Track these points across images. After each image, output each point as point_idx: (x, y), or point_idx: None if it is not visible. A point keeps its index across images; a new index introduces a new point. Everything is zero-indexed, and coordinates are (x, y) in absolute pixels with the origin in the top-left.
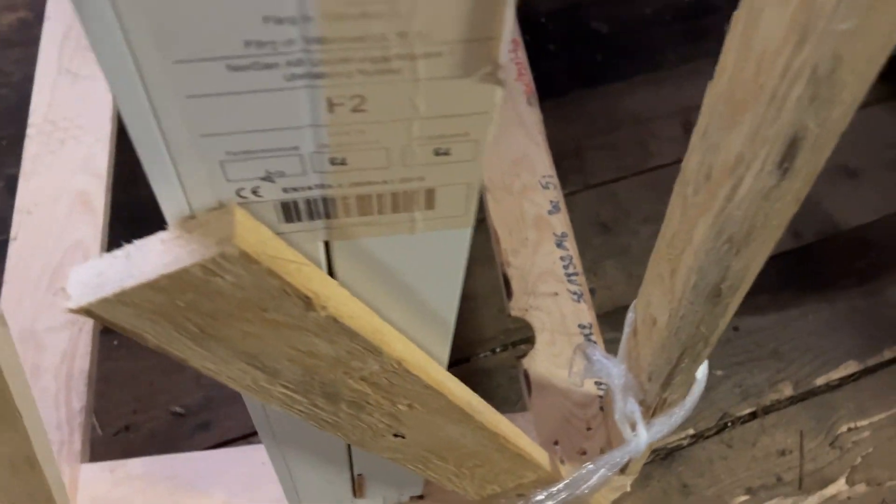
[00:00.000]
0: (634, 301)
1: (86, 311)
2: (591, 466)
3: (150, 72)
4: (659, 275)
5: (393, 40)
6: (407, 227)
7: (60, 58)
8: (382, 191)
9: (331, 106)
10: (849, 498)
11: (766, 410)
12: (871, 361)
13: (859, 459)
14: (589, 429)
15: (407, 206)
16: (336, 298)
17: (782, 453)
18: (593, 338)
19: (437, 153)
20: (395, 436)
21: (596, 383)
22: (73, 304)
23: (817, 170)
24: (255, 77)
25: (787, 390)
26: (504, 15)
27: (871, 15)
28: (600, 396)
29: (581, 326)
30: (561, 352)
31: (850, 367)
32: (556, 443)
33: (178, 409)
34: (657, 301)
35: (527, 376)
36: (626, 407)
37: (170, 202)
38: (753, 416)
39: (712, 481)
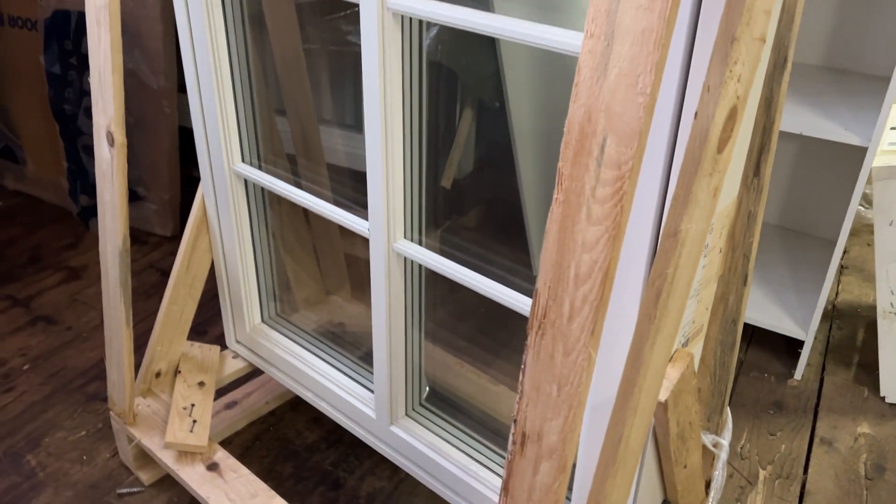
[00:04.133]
0: None
1: (662, 404)
2: (717, 473)
3: None
4: (699, 372)
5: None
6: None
7: None
8: (699, 329)
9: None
10: (770, 473)
11: None
12: None
13: (756, 456)
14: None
15: (699, 333)
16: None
17: (730, 475)
18: None
19: (707, 309)
20: (685, 467)
21: None
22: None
23: None
24: None
25: None
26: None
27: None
28: None
29: None
30: None
31: None
32: None
33: None
34: (704, 384)
35: None
36: (709, 439)
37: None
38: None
39: None
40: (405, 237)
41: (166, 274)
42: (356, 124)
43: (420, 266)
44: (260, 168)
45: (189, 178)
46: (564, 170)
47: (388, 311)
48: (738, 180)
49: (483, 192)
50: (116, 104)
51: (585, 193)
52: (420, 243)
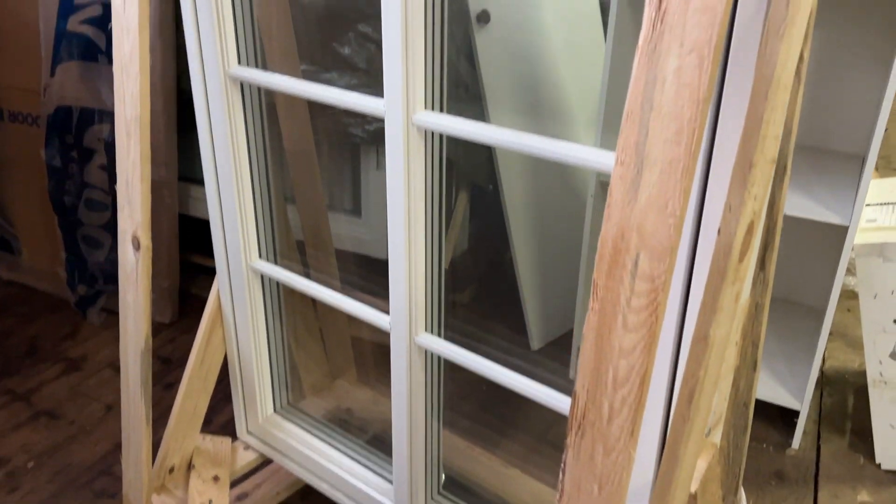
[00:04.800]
0: None
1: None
2: None
3: None
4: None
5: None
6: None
7: None
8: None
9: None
10: None
11: None
12: None
13: None
14: None
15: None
16: None
17: None
18: None
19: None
20: None
21: None
22: None
23: None
24: None
25: None
26: None
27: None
28: None
29: None
30: None
31: None
32: None
33: None
34: (720, 466)
35: None
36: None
37: None
38: None
39: None
40: (426, 330)
41: (166, 361)
42: (354, 209)
43: (440, 356)
44: (276, 262)
45: (185, 263)
46: (599, 281)
47: (409, 403)
48: (751, 279)
49: (478, 269)
50: (143, 210)
51: (621, 303)
52: (440, 335)
